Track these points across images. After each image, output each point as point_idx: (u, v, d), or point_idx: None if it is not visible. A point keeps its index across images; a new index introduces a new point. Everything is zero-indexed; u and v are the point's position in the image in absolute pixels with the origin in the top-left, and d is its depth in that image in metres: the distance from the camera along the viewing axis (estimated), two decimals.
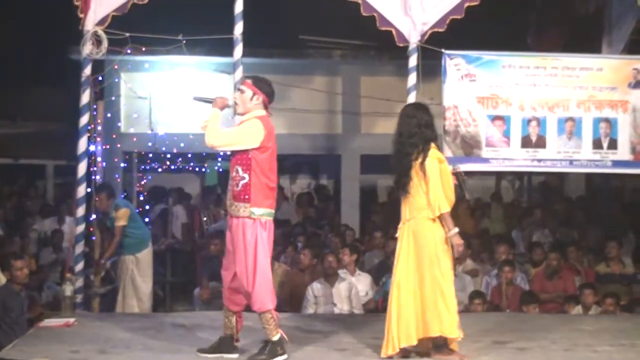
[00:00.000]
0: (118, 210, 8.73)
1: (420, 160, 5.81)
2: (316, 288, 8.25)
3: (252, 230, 5.73)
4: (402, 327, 5.79)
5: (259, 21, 8.50)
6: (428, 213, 5.79)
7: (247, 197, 5.71)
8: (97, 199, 8.56)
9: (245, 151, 5.74)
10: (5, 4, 14.25)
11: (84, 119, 7.87)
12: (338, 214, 12.68)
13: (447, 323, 5.76)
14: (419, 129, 5.88)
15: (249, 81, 5.96)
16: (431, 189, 5.77)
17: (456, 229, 5.85)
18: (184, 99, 12.22)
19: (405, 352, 5.88)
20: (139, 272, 8.86)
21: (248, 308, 6.01)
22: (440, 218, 5.80)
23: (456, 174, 6.01)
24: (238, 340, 6.07)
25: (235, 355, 5.96)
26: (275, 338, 5.81)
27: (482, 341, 6.44)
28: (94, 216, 8.61)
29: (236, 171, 5.76)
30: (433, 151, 5.86)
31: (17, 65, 14.77)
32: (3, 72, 14.62)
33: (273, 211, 5.86)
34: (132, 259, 8.86)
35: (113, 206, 8.77)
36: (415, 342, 5.81)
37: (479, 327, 6.98)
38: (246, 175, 5.71)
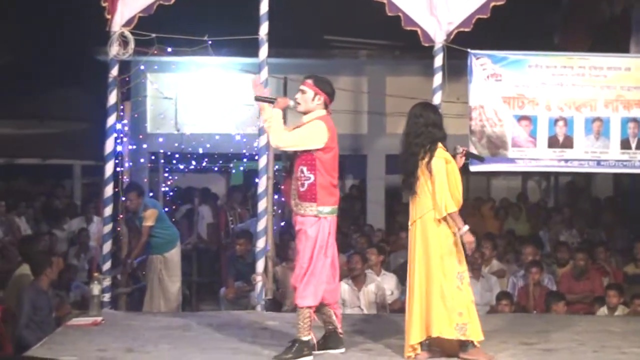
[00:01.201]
0: (146, 211, 8.76)
1: (426, 160, 5.78)
2: (343, 289, 8.14)
3: (316, 227, 5.80)
4: (412, 327, 5.82)
5: (284, 21, 8.50)
6: (434, 213, 5.76)
7: (313, 196, 5.79)
8: (127, 198, 8.60)
9: (310, 152, 5.81)
10: (34, 5, 14.42)
11: (111, 120, 7.92)
12: (363, 214, 12.67)
13: (445, 324, 5.72)
14: (426, 129, 5.83)
15: (310, 81, 5.98)
16: (437, 189, 5.73)
17: (466, 227, 5.79)
18: (209, 99, 12.36)
19: (433, 353, 5.86)
20: (167, 272, 8.89)
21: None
22: (448, 218, 5.77)
23: (465, 154, 5.99)
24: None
25: (342, 350, 6.00)
26: (305, 338, 5.82)
27: (509, 342, 6.40)
28: (121, 215, 8.65)
29: (301, 171, 5.83)
30: (440, 151, 5.81)
31: (44, 66, 14.92)
32: (31, 73, 14.79)
33: (336, 207, 5.94)
34: (160, 258, 8.88)
35: (142, 206, 8.80)
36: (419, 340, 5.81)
37: (506, 328, 6.95)
38: (311, 176, 5.79)
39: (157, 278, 8.83)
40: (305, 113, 5.96)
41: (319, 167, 5.78)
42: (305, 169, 5.81)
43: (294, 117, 6.09)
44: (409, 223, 5.93)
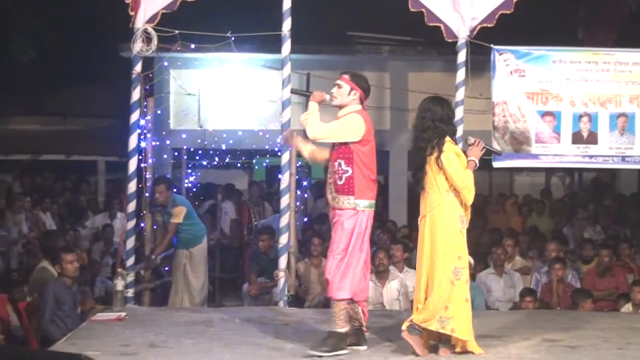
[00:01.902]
0: (175, 207, 8.73)
1: (435, 155, 5.74)
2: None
3: (353, 219, 5.82)
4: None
5: (307, 17, 8.50)
6: (442, 209, 5.73)
7: (351, 189, 5.82)
8: (155, 190, 8.59)
9: (347, 145, 5.85)
10: (58, 2, 14.52)
11: (134, 116, 7.96)
12: (386, 210, 12.64)
13: (430, 315, 5.71)
14: (433, 123, 5.79)
15: (346, 76, 6.03)
16: (454, 177, 5.70)
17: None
18: (232, 95, 12.38)
19: (434, 349, 5.86)
20: (192, 267, 8.88)
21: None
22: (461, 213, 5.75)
23: (483, 148, 5.90)
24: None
25: (365, 347, 6.00)
26: (342, 330, 5.81)
27: (533, 339, 6.37)
28: (144, 211, 8.68)
29: (338, 164, 5.87)
30: (448, 145, 5.76)
31: (69, 62, 15.03)
32: (55, 70, 14.90)
33: (374, 202, 5.96)
34: (186, 253, 8.89)
35: (171, 201, 8.78)
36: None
37: (529, 325, 6.92)
38: (349, 169, 5.82)
39: (181, 273, 8.84)
40: (340, 107, 5.99)
41: (357, 161, 5.81)
42: (343, 162, 5.84)
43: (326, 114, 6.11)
44: (419, 218, 5.91)
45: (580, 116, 8.10)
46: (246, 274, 10.00)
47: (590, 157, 8.13)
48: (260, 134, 12.30)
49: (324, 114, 6.05)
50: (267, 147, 12.44)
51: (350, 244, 5.79)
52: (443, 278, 5.72)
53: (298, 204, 9.93)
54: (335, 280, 5.78)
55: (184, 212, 8.74)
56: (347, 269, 5.78)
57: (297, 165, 8.81)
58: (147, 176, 8.50)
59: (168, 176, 10.01)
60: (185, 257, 8.87)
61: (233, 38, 8.16)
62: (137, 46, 7.87)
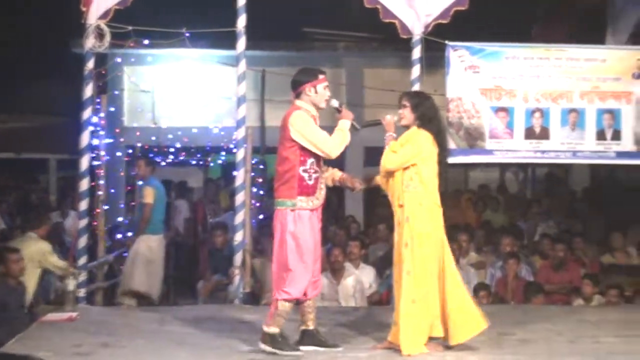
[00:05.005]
0: (144, 188, 9.05)
1: None
2: (322, 283, 8.11)
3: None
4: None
5: (262, 13, 8.47)
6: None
7: None
8: (136, 165, 9.01)
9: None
10: None
11: (86, 113, 7.89)
12: (342, 207, 12.66)
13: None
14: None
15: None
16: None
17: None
18: (187, 92, 12.30)
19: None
20: (157, 254, 8.91)
21: None
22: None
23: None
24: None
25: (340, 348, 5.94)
26: (268, 330, 5.75)
27: (486, 333, 6.38)
28: (97, 210, 8.61)
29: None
30: None
31: (20, 59, 14.77)
32: (5, 66, 14.63)
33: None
34: (154, 238, 8.98)
35: (149, 180, 9.07)
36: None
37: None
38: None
39: (143, 256, 8.80)
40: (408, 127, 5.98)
41: None
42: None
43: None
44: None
45: (533, 112, 8.19)
46: (201, 272, 9.95)
47: (543, 152, 8.23)
48: (215, 131, 12.24)
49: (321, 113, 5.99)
50: (222, 144, 12.39)
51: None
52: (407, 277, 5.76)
53: (253, 201, 9.91)
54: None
55: (151, 193, 8.91)
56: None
57: (253, 162, 8.78)
58: (100, 174, 8.44)
59: (150, 156, 10.46)
60: (154, 242, 8.88)
61: (187, 34, 8.10)
62: (90, 42, 7.81)
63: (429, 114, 5.88)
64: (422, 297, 5.70)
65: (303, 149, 5.73)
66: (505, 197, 13.02)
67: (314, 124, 5.77)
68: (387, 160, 5.83)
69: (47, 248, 8.04)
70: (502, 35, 8.60)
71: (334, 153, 5.76)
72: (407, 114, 5.89)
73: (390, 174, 5.86)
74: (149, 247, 8.83)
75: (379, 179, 6.08)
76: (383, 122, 6.00)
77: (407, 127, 5.92)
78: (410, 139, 5.82)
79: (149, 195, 8.92)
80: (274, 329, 5.73)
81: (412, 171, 5.77)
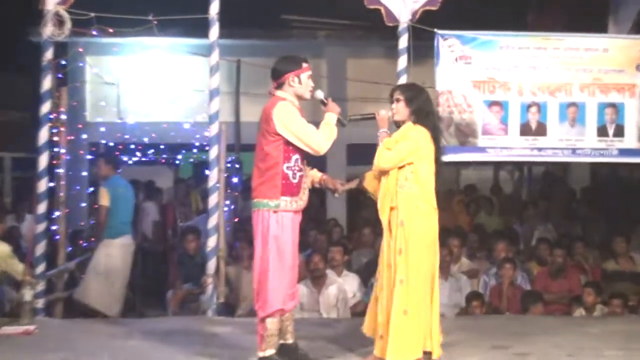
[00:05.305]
0: (101, 189, 8.87)
1: None
2: (301, 292, 7.88)
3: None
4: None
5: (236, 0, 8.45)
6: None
7: None
8: (96, 164, 8.81)
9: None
10: None
11: (45, 107, 7.85)
12: (323, 209, 12.65)
13: None
14: None
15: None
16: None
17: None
18: (155, 84, 12.25)
19: None
20: (112, 262, 8.81)
21: None
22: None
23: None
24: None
25: None
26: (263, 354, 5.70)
27: (480, 346, 6.43)
28: (57, 212, 8.55)
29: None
30: None
31: None
32: None
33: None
34: (114, 242, 8.84)
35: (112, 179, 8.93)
36: None
37: (476, 331, 6.99)
38: None
39: (101, 266, 8.71)
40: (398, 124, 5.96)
41: None
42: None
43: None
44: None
45: (529, 106, 8.22)
46: (171, 280, 9.90)
47: (539, 149, 8.26)
48: (186, 126, 12.21)
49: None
50: (193, 141, 12.35)
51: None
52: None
53: (228, 203, 9.88)
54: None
55: (105, 194, 8.79)
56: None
57: (227, 160, 8.75)
58: (60, 174, 8.38)
59: (112, 154, 10.32)
60: (116, 248, 8.79)
61: (156, 21, 8.09)
62: (48, 30, 7.77)
63: (425, 108, 5.86)
64: (414, 308, 5.68)
65: (288, 144, 5.64)
66: (500, 199, 13.04)
67: (300, 117, 5.68)
68: (382, 159, 5.79)
69: (7, 249, 7.96)
70: (495, 23, 8.62)
71: (323, 149, 5.71)
72: (400, 109, 5.86)
73: (384, 174, 5.83)
74: (108, 254, 8.74)
75: (366, 180, 6.05)
76: (377, 118, 5.97)
77: (397, 124, 5.90)
78: (405, 135, 5.79)
79: (104, 197, 8.79)
80: (270, 351, 5.66)
81: (407, 170, 5.74)
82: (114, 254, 8.75)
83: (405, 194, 5.72)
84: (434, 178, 5.82)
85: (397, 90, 5.98)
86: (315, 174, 6.06)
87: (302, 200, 5.77)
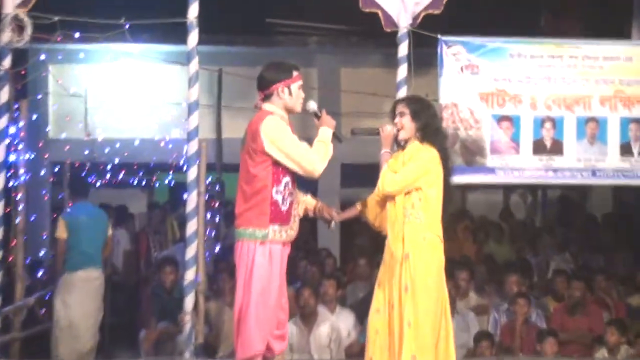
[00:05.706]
0: (58, 220, 8.83)
1: None
2: (290, 331, 7.52)
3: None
4: None
5: (218, 2, 8.46)
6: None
7: None
8: None
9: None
10: None
11: (2, 122, 7.87)
12: (314, 237, 12.59)
13: None
14: None
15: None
16: None
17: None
18: (127, 96, 12.23)
19: None
20: (78, 297, 8.72)
21: None
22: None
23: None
24: None
25: None
26: None
27: None
28: (14, 241, 8.51)
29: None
30: None
31: None
32: None
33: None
34: (73, 277, 8.76)
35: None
36: None
37: None
38: None
39: (62, 307, 8.63)
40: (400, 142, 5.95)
41: None
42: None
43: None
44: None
45: (543, 121, 8.23)
46: (144, 318, 9.84)
47: (555, 170, 8.26)
48: (162, 144, 12.17)
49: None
50: (170, 160, 12.31)
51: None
52: None
53: (208, 231, 9.84)
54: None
55: (62, 225, 8.75)
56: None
57: (207, 182, 8.73)
58: (18, 197, 8.34)
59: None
60: (73, 284, 8.72)
61: (127, 25, 8.10)
62: (6, 36, 7.83)
63: (433, 124, 5.82)
64: (421, 352, 5.61)
65: (277, 164, 5.51)
66: (511, 225, 13.03)
67: (291, 134, 5.58)
68: (387, 182, 5.72)
69: None
70: (505, 28, 8.65)
71: (318, 171, 5.57)
72: (406, 123, 5.79)
73: (389, 199, 5.77)
74: (64, 301, 8.65)
75: (366, 206, 5.99)
76: (382, 134, 5.88)
77: (398, 141, 5.84)
78: (413, 157, 5.73)
79: (60, 229, 8.74)
80: None
81: (415, 197, 5.68)
82: (78, 286, 8.68)
83: (411, 224, 5.67)
84: (442, 205, 5.76)
85: (402, 103, 5.93)
86: (309, 201, 5.92)
87: (293, 229, 5.65)
